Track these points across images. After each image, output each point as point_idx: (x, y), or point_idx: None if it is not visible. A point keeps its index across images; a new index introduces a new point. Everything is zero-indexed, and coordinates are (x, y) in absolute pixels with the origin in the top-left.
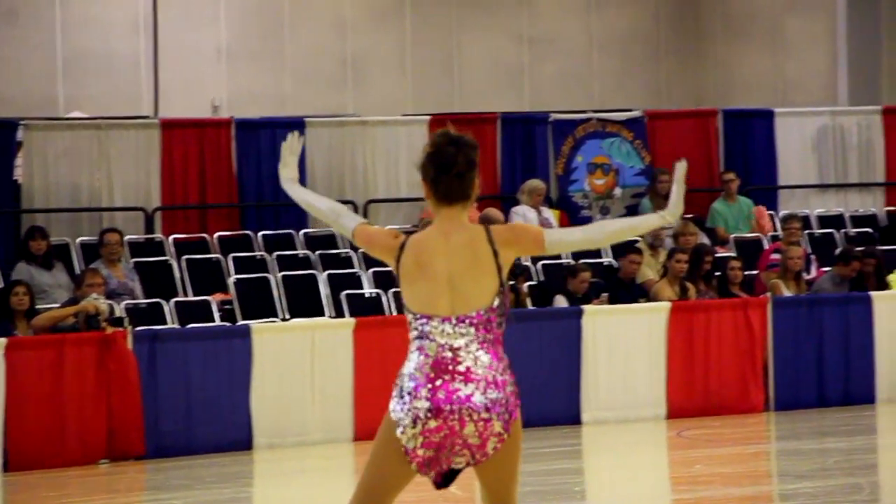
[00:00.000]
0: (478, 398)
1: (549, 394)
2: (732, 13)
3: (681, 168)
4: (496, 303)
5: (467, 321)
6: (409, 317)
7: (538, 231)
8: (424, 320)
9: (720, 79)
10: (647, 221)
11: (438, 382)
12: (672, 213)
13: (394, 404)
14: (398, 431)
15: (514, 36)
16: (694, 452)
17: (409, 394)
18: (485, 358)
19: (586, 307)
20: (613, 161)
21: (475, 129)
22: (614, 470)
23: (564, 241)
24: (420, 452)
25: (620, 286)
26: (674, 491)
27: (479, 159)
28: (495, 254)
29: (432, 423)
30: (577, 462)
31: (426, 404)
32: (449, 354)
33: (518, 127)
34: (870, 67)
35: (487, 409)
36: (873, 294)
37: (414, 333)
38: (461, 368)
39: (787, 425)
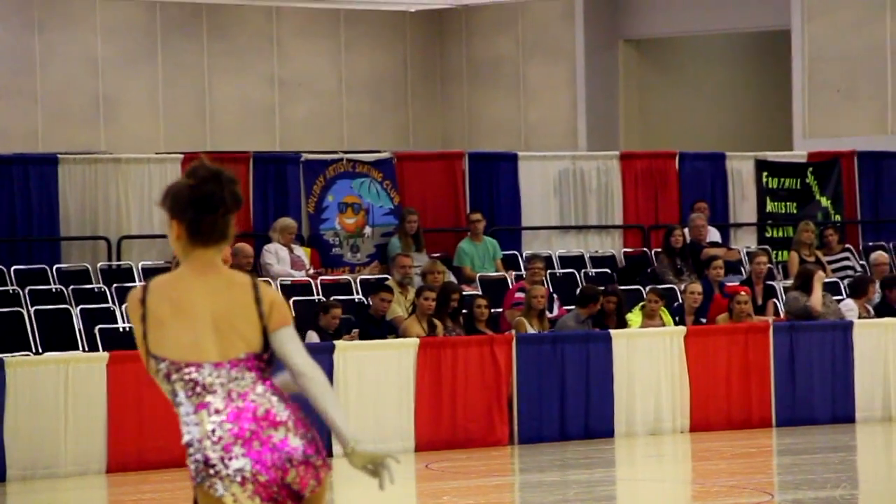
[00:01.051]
0: (295, 442)
1: None
2: (477, 59)
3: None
4: (265, 351)
5: (241, 365)
6: (164, 366)
7: (286, 319)
8: (192, 369)
9: (466, 122)
10: (340, 433)
11: (248, 435)
12: (357, 452)
13: (208, 481)
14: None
15: (264, 77)
16: (442, 484)
17: (221, 459)
18: (276, 399)
19: (338, 342)
20: (364, 201)
21: (228, 167)
22: (362, 500)
23: (287, 353)
24: None
25: (371, 322)
26: None
27: None
28: (258, 301)
29: (262, 478)
30: (328, 493)
31: (246, 462)
32: (241, 403)
33: (270, 166)
34: (607, 114)
35: (306, 452)
36: (613, 332)
37: (179, 386)
38: (260, 414)
39: (531, 458)
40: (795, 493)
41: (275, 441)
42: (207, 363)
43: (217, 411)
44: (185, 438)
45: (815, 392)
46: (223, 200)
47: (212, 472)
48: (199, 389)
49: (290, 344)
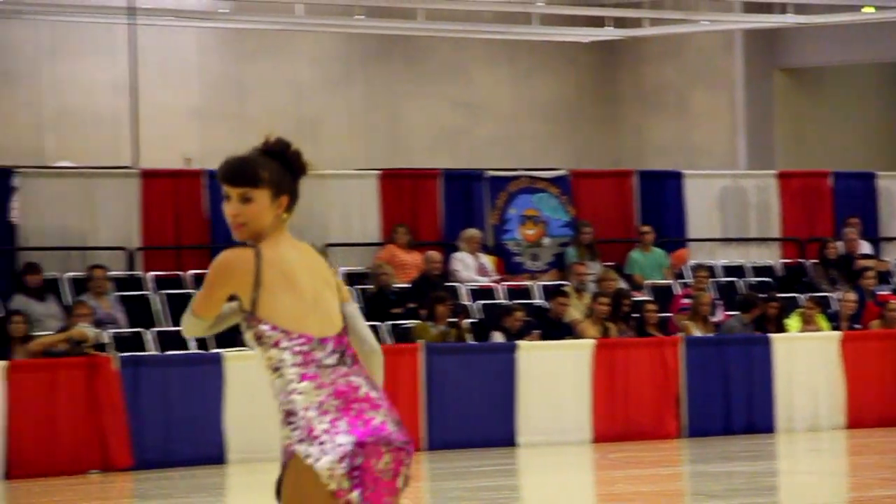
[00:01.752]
0: (391, 427)
1: (487, 419)
2: (645, 86)
3: None
4: (344, 328)
5: (341, 342)
6: (276, 334)
7: (346, 292)
8: (303, 339)
9: (635, 143)
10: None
11: (353, 413)
12: None
13: (306, 449)
14: (326, 475)
15: (452, 101)
16: (616, 472)
17: (326, 432)
18: (367, 380)
19: (520, 342)
20: (542, 214)
21: (420, 182)
22: (546, 487)
23: (359, 326)
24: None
25: (550, 325)
26: None
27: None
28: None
29: (359, 460)
30: (512, 480)
31: (349, 439)
32: (343, 380)
33: (458, 182)
34: (764, 136)
35: (401, 439)
36: (773, 335)
37: (287, 355)
38: (361, 395)
39: (698, 450)
40: None
41: (375, 423)
42: (315, 337)
43: (322, 385)
44: (288, 406)
45: None
46: (306, 165)
47: (315, 443)
48: (307, 360)
49: (359, 318)
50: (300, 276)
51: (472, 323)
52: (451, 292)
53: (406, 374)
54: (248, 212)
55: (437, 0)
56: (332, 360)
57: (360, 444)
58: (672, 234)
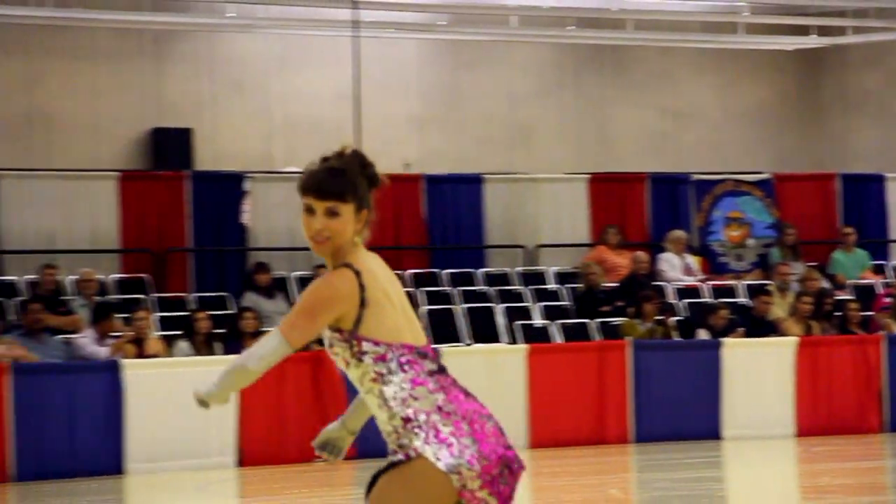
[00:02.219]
0: (503, 442)
1: (693, 413)
2: (848, 92)
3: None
4: None
5: (430, 350)
6: (380, 349)
7: None
8: (405, 350)
9: (837, 147)
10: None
11: (470, 418)
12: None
13: (435, 452)
14: (456, 478)
15: (659, 108)
16: (819, 466)
17: (453, 434)
18: (463, 387)
19: (725, 340)
20: (747, 216)
21: (628, 186)
22: (750, 478)
23: None
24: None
25: (754, 323)
26: (803, 499)
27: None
28: None
29: (484, 462)
30: (717, 471)
31: (474, 446)
32: (450, 386)
33: (665, 186)
34: None
35: (517, 458)
36: None
37: (394, 365)
38: (470, 400)
39: None
40: None
41: (491, 430)
42: (415, 346)
43: (434, 390)
44: (405, 413)
45: None
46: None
47: (444, 445)
48: (414, 368)
49: None
50: (389, 288)
51: (678, 321)
52: (658, 291)
53: (614, 370)
54: (334, 226)
55: (645, 11)
56: (434, 366)
57: (485, 455)
58: (874, 234)
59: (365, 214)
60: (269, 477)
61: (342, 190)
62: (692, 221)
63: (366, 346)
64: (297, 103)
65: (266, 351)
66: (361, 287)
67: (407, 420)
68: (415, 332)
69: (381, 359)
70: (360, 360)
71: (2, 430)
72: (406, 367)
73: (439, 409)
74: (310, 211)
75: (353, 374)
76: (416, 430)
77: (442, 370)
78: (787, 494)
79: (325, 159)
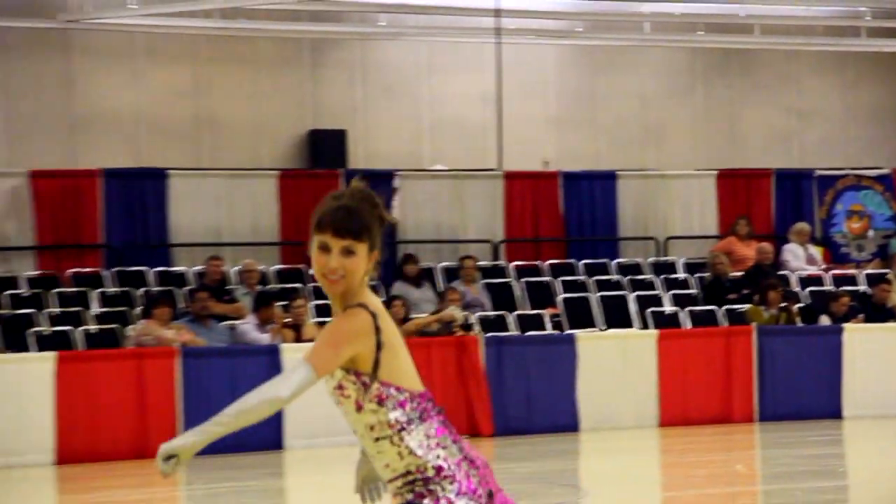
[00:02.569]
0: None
1: (815, 394)
2: None
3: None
4: None
5: (432, 397)
6: (402, 396)
7: None
8: (421, 399)
9: None
10: None
11: (482, 471)
12: None
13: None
14: None
15: (784, 108)
16: None
17: (480, 485)
18: None
19: (846, 325)
20: (867, 209)
21: (754, 181)
22: (870, 455)
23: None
24: None
25: (874, 309)
26: None
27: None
28: None
29: None
30: (839, 448)
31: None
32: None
33: (789, 181)
34: None
35: None
36: None
37: (414, 415)
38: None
39: None
40: None
41: (504, 494)
42: (425, 393)
43: (455, 440)
44: (436, 463)
45: None
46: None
47: (475, 496)
48: (431, 416)
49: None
50: (397, 331)
51: (801, 307)
52: (782, 280)
53: (740, 354)
54: (349, 265)
55: (771, 16)
56: (443, 415)
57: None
58: None
59: (376, 255)
60: None
61: (359, 229)
62: (815, 214)
63: (386, 391)
64: (443, 106)
65: (297, 380)
66: (377, 329)
67: (438, 470)
68: (419, 380)
69: (402, 405)
70: (380, 406)
71: (172, 408)
72: (424, 416)
73: (465, 458)
74: (325, 249)
75: (363, 420)
76: (449, 481)
77: (445, 419)
78: None
79: (336, 197)
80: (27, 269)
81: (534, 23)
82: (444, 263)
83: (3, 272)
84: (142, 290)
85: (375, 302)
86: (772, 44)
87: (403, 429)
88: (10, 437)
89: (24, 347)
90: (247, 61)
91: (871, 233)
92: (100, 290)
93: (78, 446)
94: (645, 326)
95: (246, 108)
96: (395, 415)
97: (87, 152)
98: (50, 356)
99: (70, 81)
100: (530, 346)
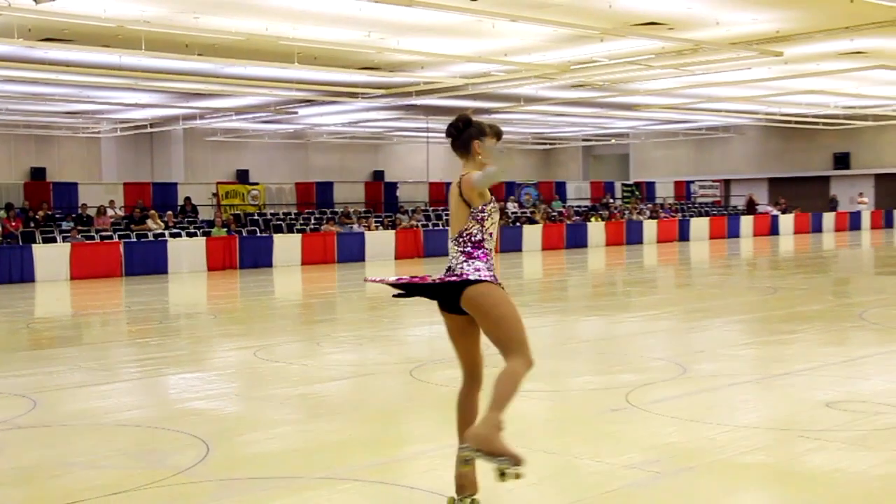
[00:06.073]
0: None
1: None
2: None
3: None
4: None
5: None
6: (485, 232)
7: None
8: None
9: None
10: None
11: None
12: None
13: (491, 277)
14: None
15: None
16: None
17: (493, 273)
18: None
19: None
20: None
21: None
22: None
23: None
24: None
25: None
26: None
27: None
28: (460, 193)
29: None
30: None
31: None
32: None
33: None
34: None
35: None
36: None
37: (486, 234)
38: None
39: None
40: None
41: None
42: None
43: (486, 256)
44: (487, 272)
45: None
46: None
47: (493, 275)
48: (486, 247)
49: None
50: None
51: None
52: None
53: None
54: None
55: None
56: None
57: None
58: None
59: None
60: None
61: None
62: None
63: (484, 207)
64: None
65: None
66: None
67: (489, 269)
68: None
69: (482, 221)
70: (483, 216)
71: None
72: (486, 236)
73: (483, 265)
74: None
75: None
76: (489, 274)
77: None
78: None
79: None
80: None
81: None
82: None
83: None
84: None
85: None
86: None
87: (476, 242)
88: None
89: None
90: None
91: None
92: None
93: None
94: None
95: None
96: (482, 225)
97: None
98: None
99: None
100: None
